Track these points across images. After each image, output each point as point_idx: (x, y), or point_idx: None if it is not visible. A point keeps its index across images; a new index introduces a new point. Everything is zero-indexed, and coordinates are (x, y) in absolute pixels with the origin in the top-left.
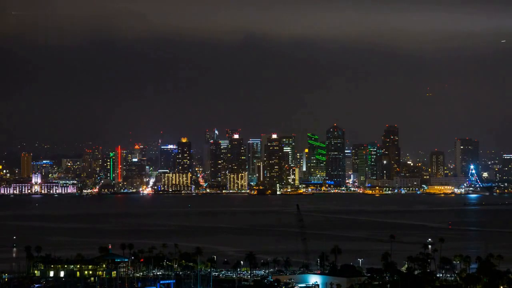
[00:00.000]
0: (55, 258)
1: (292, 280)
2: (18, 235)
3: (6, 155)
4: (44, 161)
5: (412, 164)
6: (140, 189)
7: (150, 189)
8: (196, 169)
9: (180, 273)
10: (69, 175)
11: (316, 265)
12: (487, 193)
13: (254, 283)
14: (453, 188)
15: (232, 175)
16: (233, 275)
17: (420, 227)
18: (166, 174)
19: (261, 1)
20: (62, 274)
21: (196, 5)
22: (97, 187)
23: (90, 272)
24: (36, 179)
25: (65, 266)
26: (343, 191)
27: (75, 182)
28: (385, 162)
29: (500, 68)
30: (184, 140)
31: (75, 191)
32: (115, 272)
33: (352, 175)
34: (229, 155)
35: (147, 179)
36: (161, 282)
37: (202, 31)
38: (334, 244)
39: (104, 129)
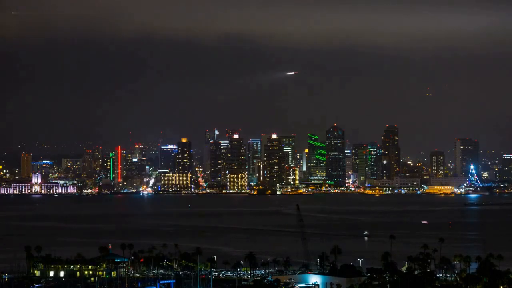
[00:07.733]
0: (55, 258)
1: (292, 280)
2: (18, 235)
3: (6, 155)
4: (44, 161)
5: (412, 164)
6: (140, 189)
7: (150, 189)
8: (196, 169)
9: (180, 273)
10: (69, 175)
11: (316, 265)
12: (487, 193)
13: (254, 283)
14: (453, 188)
15: (232, 175)
16: (233, 275)
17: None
18: (166, 174)
19: (262, 1)
20: (62, 274)
21: (193, 4)
22: (97, 187)
23: (90, 272)
24: (36, 179)
25: (65, 266)
26: (343, 191)
27: (75, 182)
28: (385, 162)
29: (500, 68)
30: (184, 140)
31: (75, 191)
32: (115, 272)
33: (352, 175)
34: (229, 155)
35: (147, 179)
36: (161, 282)
37: (201, 31)
38: (334, 244)
39: (104, 129)
